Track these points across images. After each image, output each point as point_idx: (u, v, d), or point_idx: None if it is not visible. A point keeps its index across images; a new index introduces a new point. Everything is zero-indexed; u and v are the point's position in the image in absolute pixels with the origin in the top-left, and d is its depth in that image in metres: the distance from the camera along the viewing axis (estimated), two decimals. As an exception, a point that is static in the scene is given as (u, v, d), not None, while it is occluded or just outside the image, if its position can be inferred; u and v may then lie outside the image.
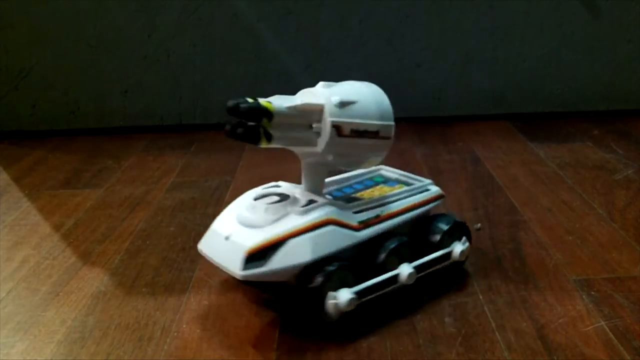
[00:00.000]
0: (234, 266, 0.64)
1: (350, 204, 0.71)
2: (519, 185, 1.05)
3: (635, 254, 0.80)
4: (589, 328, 0.65)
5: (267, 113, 0.62)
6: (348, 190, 0.79)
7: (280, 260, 0.64)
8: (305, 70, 1.42)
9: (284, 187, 0.74)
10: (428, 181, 0.79)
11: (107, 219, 0.98)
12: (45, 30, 1.40)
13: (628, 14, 1.39)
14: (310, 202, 0.68)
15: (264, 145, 0.63)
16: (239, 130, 0.62)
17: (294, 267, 0.64)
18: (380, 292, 0.69)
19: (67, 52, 1.41)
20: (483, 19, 1.39)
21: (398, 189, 0.77)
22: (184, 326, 0.69)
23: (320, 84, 0.69)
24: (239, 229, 0.67)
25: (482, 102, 1.46)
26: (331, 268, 0.65)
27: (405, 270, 0.70)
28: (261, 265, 0.63)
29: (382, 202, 0.73)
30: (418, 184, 0.78)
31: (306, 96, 0.66)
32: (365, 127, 0.68)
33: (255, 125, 0.62)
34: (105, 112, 1.46)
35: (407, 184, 0.79)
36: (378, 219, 0.71)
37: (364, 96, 0.69)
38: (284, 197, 0.69)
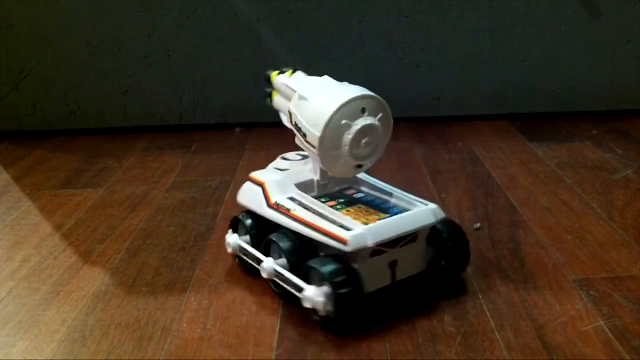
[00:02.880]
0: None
1: (302, 192, 0.75)
2: (519, 185, 1.05)
3: (634, 253, 0.81)
4: (588, 328, 0.65)
5: (269, 82, 0.80)
6: (358, 196, 0.77)
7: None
8: (305, 71, 1.42)
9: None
10: (433, 206, 0.71)
11: (108, 218, 0.99)
12: (46, 31, 1.40)
13: (627, 14, 1.39)
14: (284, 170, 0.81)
15: (270, 103, 0.81)
16: (267, 89, 0.81)
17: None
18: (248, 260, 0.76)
19: (68, 52, 1.41)
20: (483, 19, 1.39)
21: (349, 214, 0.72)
22: (185, 326, 0.69)
23: (325, 77, 0.78)
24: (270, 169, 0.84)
25: (482, 102, 1.46)
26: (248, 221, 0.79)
27: (266, 263, 0.71)
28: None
29: (313, 206, 0.71)
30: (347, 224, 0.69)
31: (297, 79, 0.77)
32: (300, 125, 0.72)
33: (268, 86, 0.80)
34: (106, 112, 1.46)
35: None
36: (286, 212, 0.72)
37: (315, 99, 0.71)
38: (304, 157, 0.83)
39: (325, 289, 0.65)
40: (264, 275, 0.72)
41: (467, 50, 1.41)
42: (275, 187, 0.76)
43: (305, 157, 0.82)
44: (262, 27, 1.40)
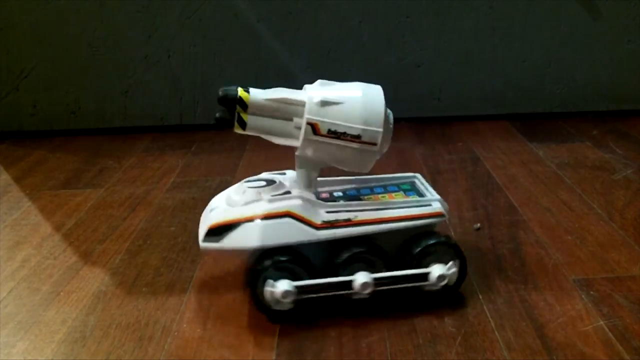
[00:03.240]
0: (200, 236, 0.71)
1: (328, 203, 0.71)
2: (519, 185, 1.05)
3: (634, 253, 0.81)
4: (588, 327, 0.65)
5: (241, 102, 0.67)
6: (364, 192, 0.78)
7: (230, 241, 0.69)
8: (305, 70, 1.42)
9: (287, 175, 0.77)
10: (437, 197, 0.76)
11: (108, 218, 0.99)
12: (46, 31, 1.40)
13: (627, 14, 1.39)
14: (286, 192, 0.71)
15: (237, 131, 0.68)
16: (217, 114, 0.68)
17: (242, 249, 0.69)
18: (328, 294, 0.68)
19: (68, 52, 1.41)
20: (483, 19, 1.39)
21: (398, 198, 0.75)
22: (185, 326, 0.69)
23: (318, 81, 0.71)
24: (220, 206, 0.73)
25: (482, 102, 1.46)
26: (281, 258, 0.67)
27: (360, 278, 0.68)
28: (216, 241, 0.69)
29: (364, 207, 0.71)
30: (424, 198, 0.76)
31: (288, 91, 0.69)
32: (344, 129, 0.68)
33: (226, 112, 0.68)
34: (106, 112, 1.46)
35: (419, 196, 0.77)
36: (348, 222, 0.70)
37: (352, 99, 0.69)
38: (269, 183, 0.73)
39: (450, 263, 0.70)
40: (366, 290, 0.68)
41: (467, 50, 1.41)
42: (307, 209, 0.69)
43: (268, 182, 0.74)
44: (262, 27, 1.40)
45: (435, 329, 0.66)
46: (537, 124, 1.41)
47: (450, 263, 0.70)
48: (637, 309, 0.68)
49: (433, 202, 0.74)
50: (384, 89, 0.73)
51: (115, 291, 0.77)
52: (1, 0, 1.38)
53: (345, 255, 0.69)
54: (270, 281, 0.67)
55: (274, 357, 0.63)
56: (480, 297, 0.72)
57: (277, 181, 0.73)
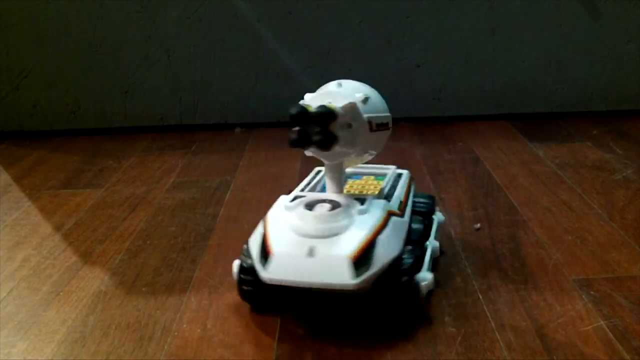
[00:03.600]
0: (341, 278, 0.61)
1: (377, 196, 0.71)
2: (519, 185, 1.05)
3: (634, 253, 0.81)
4: (588, 328, 0.65)
5: (334, 115, 0.61)
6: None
7: (380, 259, 0.63)
8: (305, 70, 1.42)
9: (310, 196, 0.70)
10: (393, 166, 0.81)
11: (108, 218, 0.99)
12: (45, 31, 1.40)
13: (627, 14, 1.39)
14: (362, 201, 0.68)
15: (334, 149, 0.63)
16: (316, 137, 0.61)
17: (389, 261, 0.64)
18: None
19: (68, 52, 1.41)
20: (483, 19, 1.39)
21: (386, 177, 0.78)
22: (185, 326, 0.69)
23: (333, 83, 0.71)
24: (317, 242, 0.63)
25: (482, 102, 1.46)
26: (414, 253, 0.67)
27: (434, 244, 0.75)
28: (368, 268, 0.62)
29: (388, 191, 0.74)
30: (390, 171, 0.80)
31: (332, 96, 0.66)
32: (381, 120, 0.70)
33: (326, 129, 0.61)
34: (106, 112, 1.46)
35: (378, 174, 0.81)
36: (402, 205, 0.72)
37: (369, 91, 0.71)
38: (335, 204, 0.67)
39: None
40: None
41: (467, 50, 1.41)
42: (385, 203, 0.70)
43: (311, 203, 0.68)
44: (262, 27, 1.40)
45: (435, 329, 0.66)
46: (537, 124, 1.41)
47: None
48: (637, 309, 0.68)
49: (399, 170, 0.79)
50: (384, 89, 0.73)
51: (115, 291, 0.77)
52: (1, 0, 1.38)
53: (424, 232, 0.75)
54: (419, 276, 0.66)
55: (274, 357, 0.63)
56: (480, 297, 0.72)
57: (335, 200, 0.68)
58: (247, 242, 0.70)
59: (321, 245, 0.62)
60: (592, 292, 0.72)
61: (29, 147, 1.39)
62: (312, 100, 0.66)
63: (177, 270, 0.81)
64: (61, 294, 0.77)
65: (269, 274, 0.63)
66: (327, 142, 0.61)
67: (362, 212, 0.66)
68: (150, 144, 1.38)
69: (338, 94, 0.66)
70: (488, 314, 0.68)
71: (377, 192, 0.73)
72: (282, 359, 0.63)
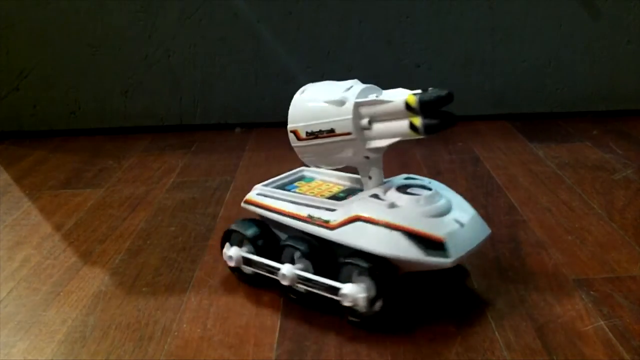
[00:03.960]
0: (486, 231, 0.71)
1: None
2: (519, 185, 1.05)
3: (634, 253, 0.81)
4: (588, 328, 0.65)
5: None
6: (291, 188, 0.79)
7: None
8: (305, 70, 1.42)
9: (381, 189, 0.71)
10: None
11: (108, 218, 0.99)
12: (45, 31, 1.40)
13: (627, 15, 1.39)
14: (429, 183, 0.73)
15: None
16: (444, 118, 0.64)
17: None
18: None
19: (68, 52, 1.41)
20: (483, 19, 1.39)
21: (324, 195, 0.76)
22: (185, 326, 0.69)
23: (349, 81, 0.71)
24: (451, 215, 0.68)
25: (482, 102, 1.46)
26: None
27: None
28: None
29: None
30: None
31: (374, 90, 0.69)
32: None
33: (448, 111, 0.65)
34: (106, 112, 1.46)
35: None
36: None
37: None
38: (421, 187, 0.71)
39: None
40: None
41: (467, 50, 1.41)
42: None
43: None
44: (262, 27, 1.40)
45: (435, 329, 0.66)
46: (537, 124, 1.41)
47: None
48: (637, 309, 0.68)
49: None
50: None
51: (115, 291, 0.77)
52: (1, 0, 1.38)
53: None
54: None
55: (274, 357, 0.63)
56: (480, 297, 0.72)
57: (397, 186, 0.71)
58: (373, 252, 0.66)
59: (457, 216, 0.68)
60: (592, 292, 0.72)
61: (29, 147, 1.39)
62: (363, 95, 0.67)
63: (177, 270, 0.81)
64: (61, 294, 0.77)
65: (452, 256, 0.65)
66: (455, 119, 0.64)
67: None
68: (150, 144, 1.38)
69: (374, 88, 0.69)
70: (488, 314, 0.68)
71: (333, 193, 0.75)
72: (282, 359, 0.63)
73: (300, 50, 1.41)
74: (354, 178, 0.78)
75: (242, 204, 0.78)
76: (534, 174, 1.10)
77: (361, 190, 0.74)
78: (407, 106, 0.64)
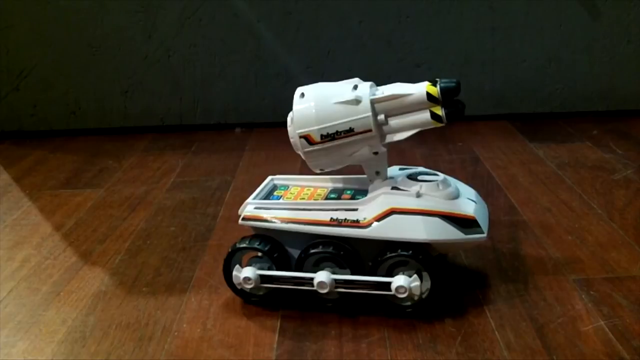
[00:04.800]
0: (487, 207, 0.75)
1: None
2: (519, 185, 1.05)
3: (634, 253, 0.81)
4: (588, 327, 0.65)
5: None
6: (275, 198, 0.77)
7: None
8: (305, 70, 1.42)
9: (394, 182, 0.74)
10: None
11: (108, 218, 0.99)
12: (46, 31, 1.40)
13: (627, 14, 1.39)
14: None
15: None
16: (460, 106, 0.70)
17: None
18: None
19: (68, 52, 1.41)
20: (483, 19, 1.39)
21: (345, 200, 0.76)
22: (185, 326, 0.69)
23: (353, 80, 0.72)
24: (467, 197, 0.72)
25: (482, 102, 1.46)
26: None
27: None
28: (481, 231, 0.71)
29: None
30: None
31: (373, 87, 0.71)
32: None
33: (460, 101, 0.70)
34: (106, 112, 1.46)
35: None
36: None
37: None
38: (426, 174, 0.76)
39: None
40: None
41: (467, 50, 1.41)
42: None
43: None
44: (262, 27, 1.40)
45: (435, 329, 0.66)
46: (537, 124, 1.41)
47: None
48: (637, 309, 0.68)
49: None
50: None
51: (115, 291, 0.77)
52: (1, 0, 1.38)
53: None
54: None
55: (274, 357, 0.63)
56: (480, 297, 0.72)
57: (407, 176, 0.75)
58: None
59: (467, 195, 0.73)
60: (592, 292, 0.72)
61: (29, 147, 1.39)
62: (369, 90, 0.69)
63: (177, 270, 0.81)
64: (61, 294, 0.77)
65: (485, 231, 0.69)
66: (464, 107, 0.70)
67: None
68: (150, 144, 1.38)
69: (372, 85, 0.70)
70: (488, 314, 0.68)
71: (325, 195, 0.76)
72: (282, 359, 0.63)
73: (300, 50, 1.41)
74: (328, 178, 0.79)
75: (241, 222, 0.73)
76: (534, 174, 1.10)
77: (346, 188, 0.77)
78: (429, 97, 0.68)
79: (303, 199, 0.75)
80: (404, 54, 1.41)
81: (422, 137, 1.34)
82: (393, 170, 0.76)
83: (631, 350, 0.61)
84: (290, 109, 0.72)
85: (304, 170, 1.14)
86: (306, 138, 0.69)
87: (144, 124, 1.47)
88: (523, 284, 0.74)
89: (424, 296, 0.68)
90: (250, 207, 0.73)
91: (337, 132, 0.69)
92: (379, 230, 0.68)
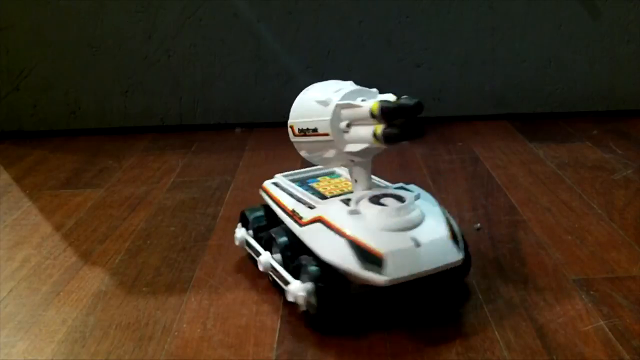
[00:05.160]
0: (451, 256, 0.65)
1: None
2: (519, 185, 1.05)
3: (634, 253, 0.81)
4: (588, 327, 0.65)
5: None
6: (311, 182, 0.80)
7: (459, 231, 0.69)
8: (305, 70, 1.42)
9: (358, 195, 0.70)
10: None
11: (108, 218, 0.99)
12: (45, 31, 1.40)
13: (627, 14, 1.39)
14: (416, 196, 0.70)
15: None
16: (411, 128, 0.62)
17: (462, 236, 0.69)
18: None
19: (68, 52, 1.41)
20: (483, 19, 1.39)
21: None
22: (185, 326, 0.69)
23: (346, 83, 0.71)
24: (414, 232, 0.64)
25: (482, 102, 1.46)
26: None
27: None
28: (459, 240, 0.67)
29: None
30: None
31: (363, 93, 0.68)
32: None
33: (418, 120, 0.62)
34: (106, 112, 1.46)
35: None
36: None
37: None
38: (396, 197, 0.68)
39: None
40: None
41: (467, 50, 1.41)
42: None
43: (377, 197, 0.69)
44: (262, 27, 1.40)
45: (436, 329, 0.66)
46: (537, 124, 1.41)
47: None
48: (637, 309, 0.68)
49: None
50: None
51: (115, 291, 0.77)
52: (1, 0, 1.38)
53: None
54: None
55: (274, 357, 0.63)
56: (480, 297, 0.72)
57: (373, 195, 0.69)
58: (309, 262, 0.66)
59: (419, 235, 0.64)
60: (592, 292, 0.72)
61: (29, 147, 1.39)
62: (349, 97, 0.66)
63: (177, 270, 0.81)
64: (61, 293, 0.77)
65: (389, 275, 0.61)
66: (421, 131, 0.62)
67: (416, 198, 0.69)
68: (150, 144, 1.38)
69: (367, 91, 0.68)
70: (488, 314, 0.68)
71: (342, 191, 0.76)
72: (282, 359, 0.63)
73: (300, 50, 1.41)
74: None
75: (260, 191, 0.82)
76: (534, 174, 1.10)
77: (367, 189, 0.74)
78: (371, 113, 0.62)
79: (323, 189, 0.77)
80: (404, 54, 1.41)
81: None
82: (383, 185, 0.76)
83: (631, 350, 0.61)
84: (290, 108, 0.73)
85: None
86: (291, 128, 0.73)
87: (144, 124, 1.47)
88: (523, 284, 0.74)
89: (310, 312, 0.66)
90: (270, 180, 0.81)
91: (307, 129, 0.70)
92: (302, 233, 0.69)
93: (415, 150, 1.26)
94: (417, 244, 0.63)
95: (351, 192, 0.73)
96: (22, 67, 1.42)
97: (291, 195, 0.76)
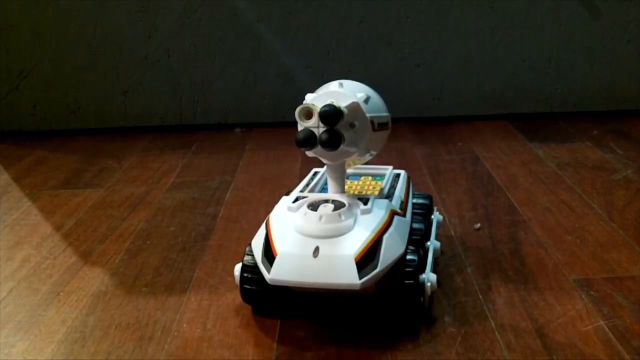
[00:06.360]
0: (346, 278, 0.61)
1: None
2: (519, 185, 1.05)
3: (634, 253, 0.81)
4: (588, 328, 0.65)
5: (342, 114, 0.62)
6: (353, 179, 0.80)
7: (385, 259, 0.62)
8: (305, 70, 1.42)
9: (312, 196, 0.70)
10: (390, 167, 0.81)
11: (108, 218, 0.99)
12: (45, 31, 1.40)
13: (627, 14, 1.39)
14: (364, 201, 0.67)
15: (339, 149, 0.63)
16: (324, 136, 0.62)
17: (394, 261, 0.63)
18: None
19: (68, 52, 1.41)
20: (483, 19, 1.39)
21: (385, 177, 0.78)
22: (185, 326, 0.69)
23: (334, 83, 0.69)
24: (322, 242, 0.62)
25: (482, 102, 1.46)
26: (418, 253, 0.66)
27: (435, 244, 0.75)
28: (374, 267, 0.61)
29: (389, 191, 0.74)
30: (387, 171, 0.80)
31: (334, 96, 0.65)
32: (382, 120, 0.69)
33: (333, 129, 0.62)
34: (106, 112, 1.46)
35: (375, 174, 0.81)
36: (404, 205, 0.73)
37: (370, 91, 0.70)
38: (338, 204, 0.66)
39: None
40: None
41: (467, 50, 1.41)
42: (388, 202, 0.70)
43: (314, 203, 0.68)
44: (262, 27, 1.40)
45: (435, 329, 0.66)
46: (537, 124, 1.41)
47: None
48: (637, 309, 0.68)
49: (396, 170, 0.79)
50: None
51: (115, 291, 0.77)
52: (1, 0, 1.38)
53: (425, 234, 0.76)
54: (422, 277, 0.69)
55: (273, 357, 0.63)
56: (480, 297, 0.72)
57: (338, 199, 0.68)
58: (249, 244, 0.70)
59: (326, 246, 0.62)
60: (592, 292, 0.72)
61: (29, 147, 1.39)
62: (314, 100, 0.65)
63: (177, 270, 0.81)
64: (61, 294, 0.77)
65: (274, 275, 0.62)
66: (335, 141, 0.62)
67: (365, 212, 0.65)
68: (150, 144, 1.38)
69: (340, 93, 0.66)
70: (488, 314, 0.68)
71: (377, 192, 0.73)
72: (282, 359, 0.63)
73: (300, 50, 1.41)
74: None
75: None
76: (534, 174, 1.10)
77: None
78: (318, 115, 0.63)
79: (348, 189, 0.76)
80: (404, 54, 1.42)
81: (422, 137, 1.34)
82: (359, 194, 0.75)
83: (631, 350, 0.61)
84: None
85: (303, 170, 1.14)
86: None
87: (143, 124, 1.47)
88: (523, 284, 0.74)
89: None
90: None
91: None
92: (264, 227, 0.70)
93: (415, 150, 1.26)
94: (314, 255, 0.62)
95: (350, 194, 0.73)
96: (22, 67, 1.42)
97: (307, 185, 0.76)
